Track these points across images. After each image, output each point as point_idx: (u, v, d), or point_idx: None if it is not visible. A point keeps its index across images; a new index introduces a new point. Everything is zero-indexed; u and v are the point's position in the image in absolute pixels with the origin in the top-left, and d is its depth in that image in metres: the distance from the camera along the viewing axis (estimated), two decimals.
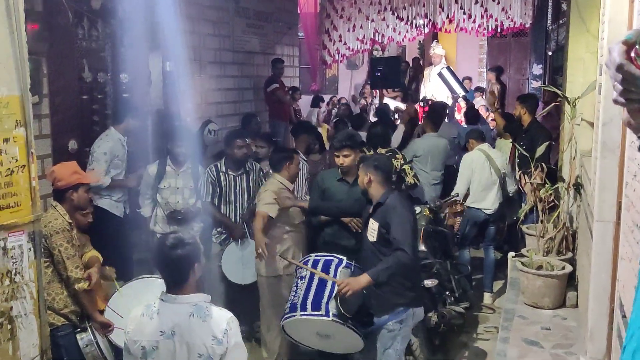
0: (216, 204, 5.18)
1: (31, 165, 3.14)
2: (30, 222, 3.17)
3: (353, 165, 4.48)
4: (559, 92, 5.79)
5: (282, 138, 9.08)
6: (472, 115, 8.93)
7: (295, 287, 3.98)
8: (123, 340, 2.75)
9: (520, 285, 5.14)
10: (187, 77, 6.84)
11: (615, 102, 1.16)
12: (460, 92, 11.21)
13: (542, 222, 5.37)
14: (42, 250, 3.29)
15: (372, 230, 3.87)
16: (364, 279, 3.67)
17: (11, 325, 3.08)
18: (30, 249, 3.17)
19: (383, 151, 5.95)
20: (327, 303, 3.75)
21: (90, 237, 4.14)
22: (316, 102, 11.66)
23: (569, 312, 4.88)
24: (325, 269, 3.93)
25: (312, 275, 3.91)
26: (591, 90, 4.91)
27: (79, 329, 3.68)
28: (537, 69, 13.65)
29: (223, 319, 2.56)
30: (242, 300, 5.10)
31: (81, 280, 3.61)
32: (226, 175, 5.18)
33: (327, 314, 3.72)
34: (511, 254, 5.70)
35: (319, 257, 4.07)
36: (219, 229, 5.23)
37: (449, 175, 7.05)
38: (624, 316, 2.85)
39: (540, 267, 4.98)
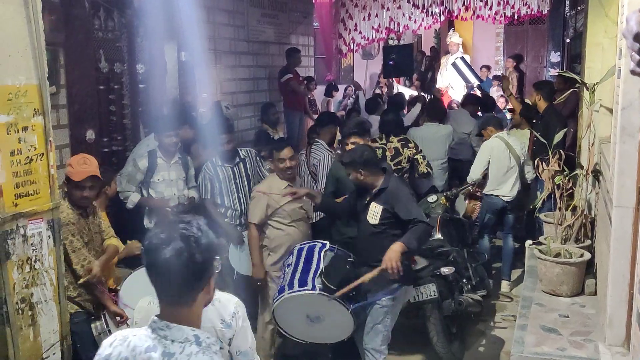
0: (218, 200, 5.16)
1: (49, 154, 3.18)
2: (49, 209, 3.21)
3: None
4: (577, 78, 5.72)
5: (297, 128, 9.08)
6: (488, 103, 8.88)
7: (282, 275, 4.10)
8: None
9: (538, 273, 5.10)
10: (202, 67, 6.86)
11: (633, 72, 1.13)
12: (474, 81, 11.13)
13: (559, 209, 5.32)
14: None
15: (375, 213, 3.97)
16: (397, 246, 3.75)
17: (32, 312, 3.13)
18: (49, 236, 3.22)
19: (395, 139, 5.94)
20: (314, 279, 3.87)
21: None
22: (329, 92, 11.62)
23: (588, 299, 4.84)
24: (310, 253, 4.06)
25: (297, 260, 4.04)
26: (610, 76, 4.85)
27: (93, 317, 3.72)
28: (555, 57, 13.50)
29: (231, 302, 2.56)
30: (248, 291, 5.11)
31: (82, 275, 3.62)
32: (223, 169, 5.17)
33: (313, 288, 3.84)
34: (529, 242, 5.67)
35: (302, 246, 4.19)
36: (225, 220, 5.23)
37: (458, 169, 7.07)
38: None
39: (558, 255, 4.94)
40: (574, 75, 5.82)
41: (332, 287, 3.81)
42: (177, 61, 6.63)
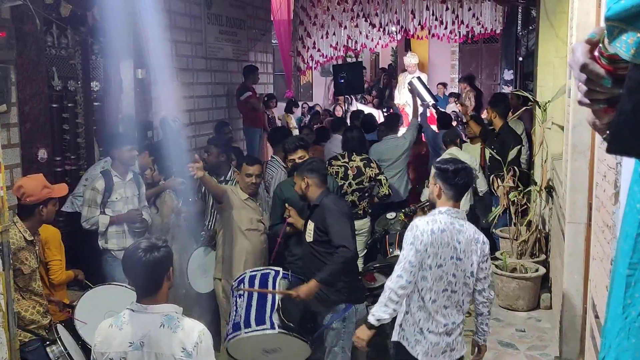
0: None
1: None
2: None
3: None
4: (530, 96, 5.87)
5: (257, 145, 9.06)
6: (444, 120, 9.02)
7: (235, 307, 3.94)
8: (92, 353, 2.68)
9: (494, 288, 5.17)
10: (159, 84, 6.78)
11: (580, 103, 1.13)
12: (429, 101, 11.29)
13: (515, 225, 5.42)
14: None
15: (310, 231, 3.94)
16: (312, 284, 3.71)
17: None
18: None
19: (358, 158, 5.95)
20: (271, 316, 3.76)
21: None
22: (289, 108, 11.62)
23: (543, 313, 4.92)
24: (263, 284, 3.95)
25: (250, 291, 3.93)
26: (561, 95, 4.99)
27: (48, 342, 3.60)
28: (508, 75, 13.81)
29: (194, 330, 2.49)
30: (208, 309, 5.03)
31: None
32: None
33: (272, 327, 3.73)
34: None
35: (254, 273, 4.07)
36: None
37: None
38: (596, 316, 2.88)
39: (514, 270, 5.03)
40: (526, 94, 5.97)
41: (291, 324, 3.74)
42: (133, 79, 6.54)
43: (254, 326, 3.75)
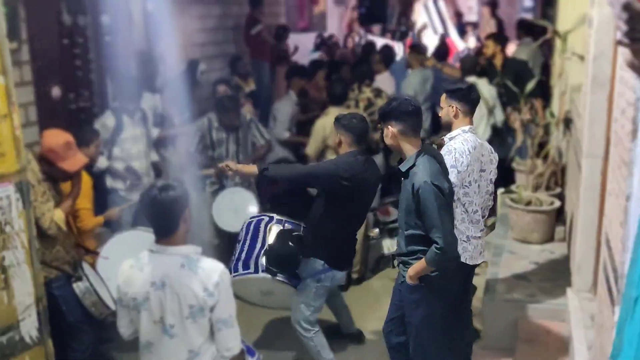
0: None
1: (13, 115, 3.08)
2: (17, 172, 3.13)
3: (393, 143, 3.38)
4: (548, 25, 5.70)
5: (266, 78, 8.91)
6: (443, 51, 8.81)
7: (235, 252, 4.07)
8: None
9: (509, 221, 5.19)
10: (169, 17, 6.65)
11: (620, 42, 1.10)
12: (439, 29, 10.95)
13: (531, 158, 5.38)
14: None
15: None
16: (251, 167, 3.90)
17: (5, 275, 3.10)
18: (18, 199, 3.15)
19: (367, 89, 5.92)
20: (257, 260, 3.88)
21: None
22: (319, 46, 11.25)
23: (557, 246, 4.95)
24: (256, 229, 4.04)
25: (245, 237, 4.02)
26: (581, 24, 4.83)
27: (74, 278, 3.70)
28: (529, 1, 13.39)
29: (215, 271, 2.53)
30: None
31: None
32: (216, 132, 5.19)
33: (256, 271, 3.85)
34: (500, 189, 5.74)
35: (251, 220, 4.15)
36: (211, 179, 5.19)
37: None
38: (609, 249, 2.89)
39: (529, 203, 5.02)
40: (545, 23, 5.80)
41: (273, 269, 3.82)
42: (143, 11, 6.41)
43: (241, 270, 3.89)
